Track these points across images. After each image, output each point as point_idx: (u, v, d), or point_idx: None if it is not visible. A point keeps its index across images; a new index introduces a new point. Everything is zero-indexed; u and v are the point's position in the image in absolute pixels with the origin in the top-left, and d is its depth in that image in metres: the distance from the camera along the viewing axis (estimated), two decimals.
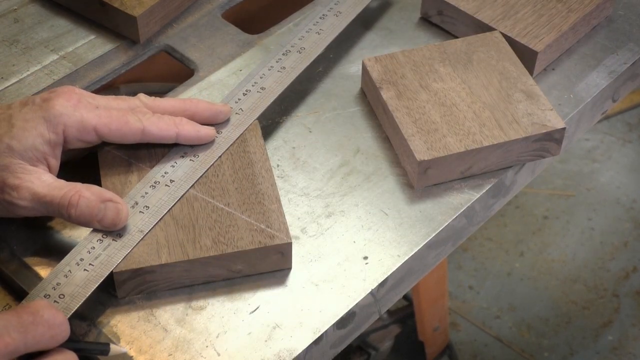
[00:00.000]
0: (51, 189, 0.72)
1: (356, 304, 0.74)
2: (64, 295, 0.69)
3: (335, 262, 0.76)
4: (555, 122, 0.84)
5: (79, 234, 0.77)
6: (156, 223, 0.75)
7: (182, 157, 0.79)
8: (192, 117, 0.80)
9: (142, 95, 0.80)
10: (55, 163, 0.76)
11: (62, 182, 0.74)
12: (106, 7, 0.94)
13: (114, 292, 0.73)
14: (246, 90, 0.85)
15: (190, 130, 0.79)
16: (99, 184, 0.77)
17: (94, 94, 0.78)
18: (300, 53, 0.89)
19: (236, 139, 0.81)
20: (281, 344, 0.71)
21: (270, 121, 0.88)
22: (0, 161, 0.73)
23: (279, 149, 0.85)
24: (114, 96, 0.78)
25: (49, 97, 0.75)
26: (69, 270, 0.71)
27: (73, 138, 0.75)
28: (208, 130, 0.80)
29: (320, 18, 0.93)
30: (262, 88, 0.86)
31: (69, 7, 0.98)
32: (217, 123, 0.82)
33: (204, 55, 0.94)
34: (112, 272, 0.71)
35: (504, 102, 0.85)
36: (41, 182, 0.73)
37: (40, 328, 0.63)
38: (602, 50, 0.96)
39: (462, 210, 0.81)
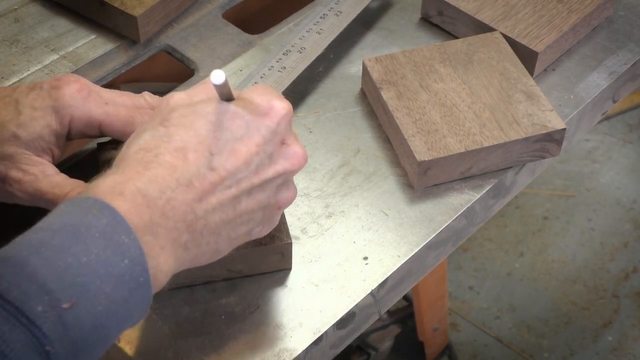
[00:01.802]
0: (53, 187, 0.72)
1: (356, 305, 0.74)
2: None
3: (335, 262, 0.76)
4: (556, 122, 0.84)
5: None
6: None
7: None
8: None
9: (146, 94, 0.79)
10: (59, 153, 0.75)
11: (65, 178, 0.73)
12: (106, 6, 0.94)
13: None
14: None
15: None
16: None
17: (101, 87, 0.77)
18: (300, 53, 0.89)
19: None
20: (281, 344, 0.71)
21: None
22: (5, 150, 0.72)
23: None
24: (119, 92, 0.78)
25: (57, 85, 0.74)
26: None
27: (77, 131, 0.75)
28: None
29: (321, 18, 0.93)
30: None
31: (69, 6, 0.98)
32: None
33: (204, 55, 0.94)
34: None
35: (505, 103, 0.85)
36: (45, 176, 0.72)
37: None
38: (603, 50, 0.96)
39: (462, 211, 0.81)
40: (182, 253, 0.61)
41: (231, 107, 0.63)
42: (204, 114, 0.63)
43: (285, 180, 0.66)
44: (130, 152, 0.62)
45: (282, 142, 0.65)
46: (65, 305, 0.53)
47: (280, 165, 0.65)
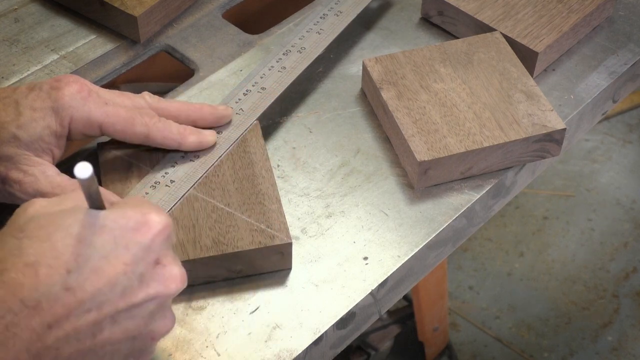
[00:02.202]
0: (54, 187, 0.72)
1: (356, 305, 0.74)
2: None
3: (335, 262, 0.76)
4: (556, 122, 0.84)
5: None
6: None
7: (183, 157, 0.79)
8: (195, 122, 0.80)
9: (146, 94, 0.79)
10: (59, 153, 0.75)
11: (66, 179, 0.73)
12: (106, 6, 0.94)
13: None
14: (246, 91, 0.85)
15: (193, 141, 0.79)
16: (99, 184, 0.77)
17: (100, 88, 0.77)
18: (300, 53, 0.89)
19: (236, 139, 0.81)
20: (281, 344, 0.71)
21: (271, 121, 0.88)
22: (5, 151, 0.72)
23: (279, 149, 0.85)
24: (119, 92, 0.78)
25: (57, 86, 0.74)
26: None
27: (77, 132, 0.75)
28: (210, 139, 0.80)
29: (321, 18, 0.93)
30: (263, 88, 0.85)
31: (69, 6, 0.98)
32: (219, 126, 0.82)
33: (204, 55, 0.94)
34: None
35: (505, 103, 0.85)
36: (45, 177, 0.72)
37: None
38: (603, 51, 0.96)
39: (462, 211, 0.81)
40: None
41: (98, 219, 0.55)
42: (64, 226, 0.55)
43: (159, 306, 0.58)
44: None
45: (157, 262, 0.57)
46: None
47: (152, 289, 0.56)
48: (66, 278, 0.53)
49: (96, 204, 0.56)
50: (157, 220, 0.57)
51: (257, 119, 0.83)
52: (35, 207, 0.57)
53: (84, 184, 0.54)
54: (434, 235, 0.79)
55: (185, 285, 0.59)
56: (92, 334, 0.54)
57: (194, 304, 0.73)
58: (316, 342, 0.71)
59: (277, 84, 0.86)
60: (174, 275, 0.58)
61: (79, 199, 0.57)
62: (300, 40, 0.90)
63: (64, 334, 0.53)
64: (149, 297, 0.56)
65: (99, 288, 0.54)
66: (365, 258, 0.77)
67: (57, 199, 0.58)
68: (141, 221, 0.56)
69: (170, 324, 0.59)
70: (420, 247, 0.78)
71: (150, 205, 0.58)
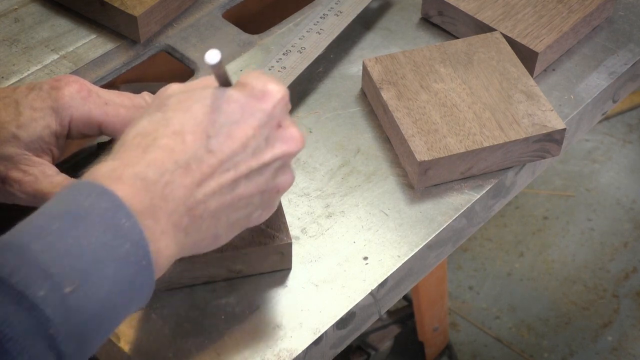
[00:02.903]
0: (54, 187, 0.72)
1: (356, 305, 0.74)
2: None
3: (335, 262, 0.76)
4: (556, 122, 0.84)
5: None
6: None
7: None
8: None
9: (146, 94, 0.79)
10: (58, 153, 0.75)
11: (65, 178, 0.73)
12: (106, 6, 0.94)
13: None
14: None
15: None
16: None
17: (100, 88, 0.77)
18: (300, 53, 0.89)
19: None
20: (281, 344, 0.71)
21: None
22: (5, 150, 0.72)
23: None
24: (119, 92, 0.78)
25: (57, 86, 0.74)
26: None
27: (77, 131, 0.75)
28: None
29: (321, 18, 0.93)
30: None
31: (69, 6, 0.98)
32: None
33: (204, 55, 0.94)
34: None
35: (505, 103, 0.85)
36: (45, 177, 0.72)
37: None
38: (603, 51, 0.96)
39: (462, 211, 0.81)
40: (184, 238, 0.60)
41: (227, 91, 0.63)
42: (200, 99, 0.63)
43: (283, 164, 0.66)
44: (128, 137, 0.62)
45: (279, 126, 0.65)
46: (67, 290, 0.53)
47: (277, 149, 0.65)
48: (207, 142, 0.61)
49: (225, 82, 0.64)
50: (277, 90, 0.65)
51: None
52: (173, 87, 0.65)
53: (215, 67, 0.62)
54: (434, 235, 0.79)
55: (304, 145, 0.67)
56: (232, 190, 0.62)
57: (194, 304, 0.73)
58: (316, 342, 0.71)
59: None
60: (295, 136, 0.66)
61: (208, 81, 0.65)
62: (300, 40, 0.90)
63: (210, 190, 0.61)
64: (275, 156, 0.64)
65: (234, 150, 0.62)
66: (365, 258, 0.77)
67: (189, 82, 0.66)
68: (263, 91, 0.64)
69: (291, 179, 0.67)
70: (420, 247, 0.78)
71: (268, 77, 0.65)
